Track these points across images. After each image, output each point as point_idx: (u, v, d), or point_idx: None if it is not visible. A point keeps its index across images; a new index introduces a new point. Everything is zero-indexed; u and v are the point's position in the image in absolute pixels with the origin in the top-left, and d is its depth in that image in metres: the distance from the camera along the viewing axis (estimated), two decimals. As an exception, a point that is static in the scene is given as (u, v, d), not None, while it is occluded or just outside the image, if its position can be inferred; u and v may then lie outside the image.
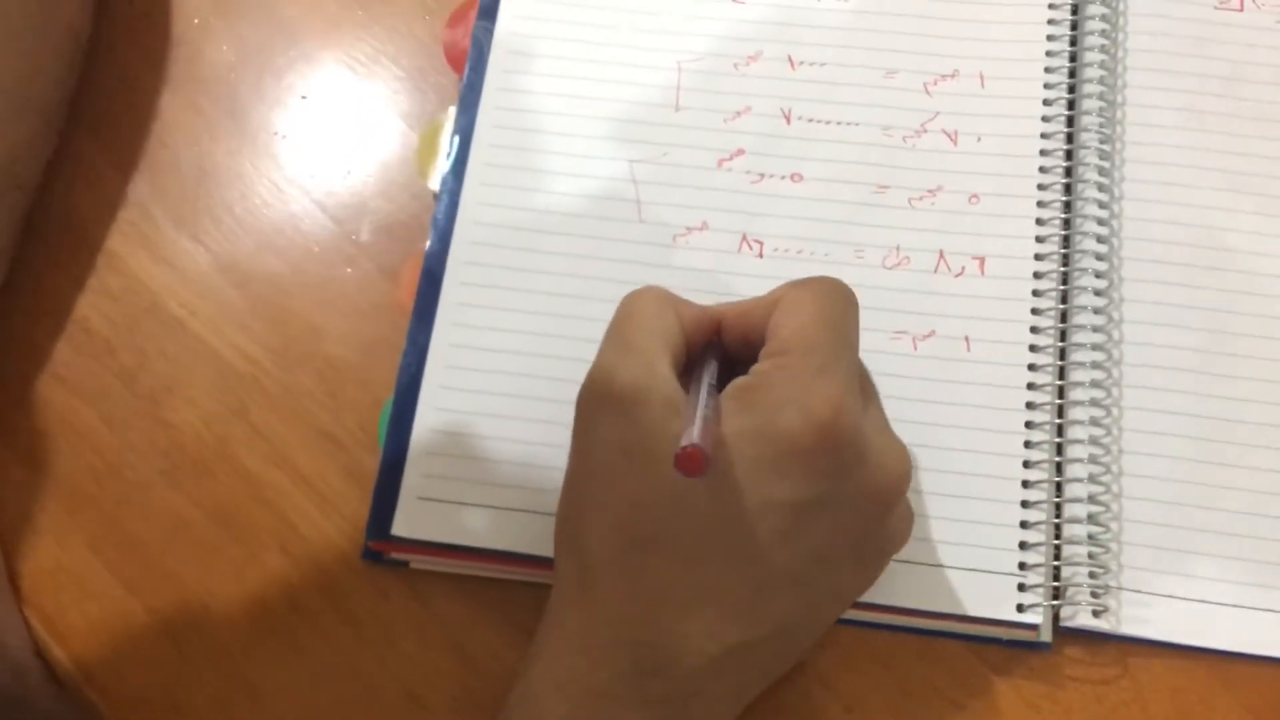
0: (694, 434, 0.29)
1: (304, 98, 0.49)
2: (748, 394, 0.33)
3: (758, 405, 0.32)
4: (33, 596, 0.43)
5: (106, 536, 0.44)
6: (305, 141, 0.48)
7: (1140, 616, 0.40)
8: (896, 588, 0.39)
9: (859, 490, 0.33)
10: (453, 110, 0.47)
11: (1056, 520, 0.40)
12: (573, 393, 0.35)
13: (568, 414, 0.36)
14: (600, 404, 0.34)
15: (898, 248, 0.43)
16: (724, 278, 0.43)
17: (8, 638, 0.42)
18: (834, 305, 0.34)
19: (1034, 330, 0.42)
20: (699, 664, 0.32)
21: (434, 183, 0.46)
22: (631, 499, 0.33)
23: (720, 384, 0.34)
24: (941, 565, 0.39)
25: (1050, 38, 0.45)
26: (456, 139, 0.46)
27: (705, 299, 0.39)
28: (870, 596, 0.38)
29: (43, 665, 0.42)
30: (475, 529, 0.41)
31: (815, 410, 0.31)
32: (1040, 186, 0.44)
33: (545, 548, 0.38)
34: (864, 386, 0.35)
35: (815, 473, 0.32)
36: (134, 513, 0.44)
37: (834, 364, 0.33)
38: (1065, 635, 0.40)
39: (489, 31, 0.47)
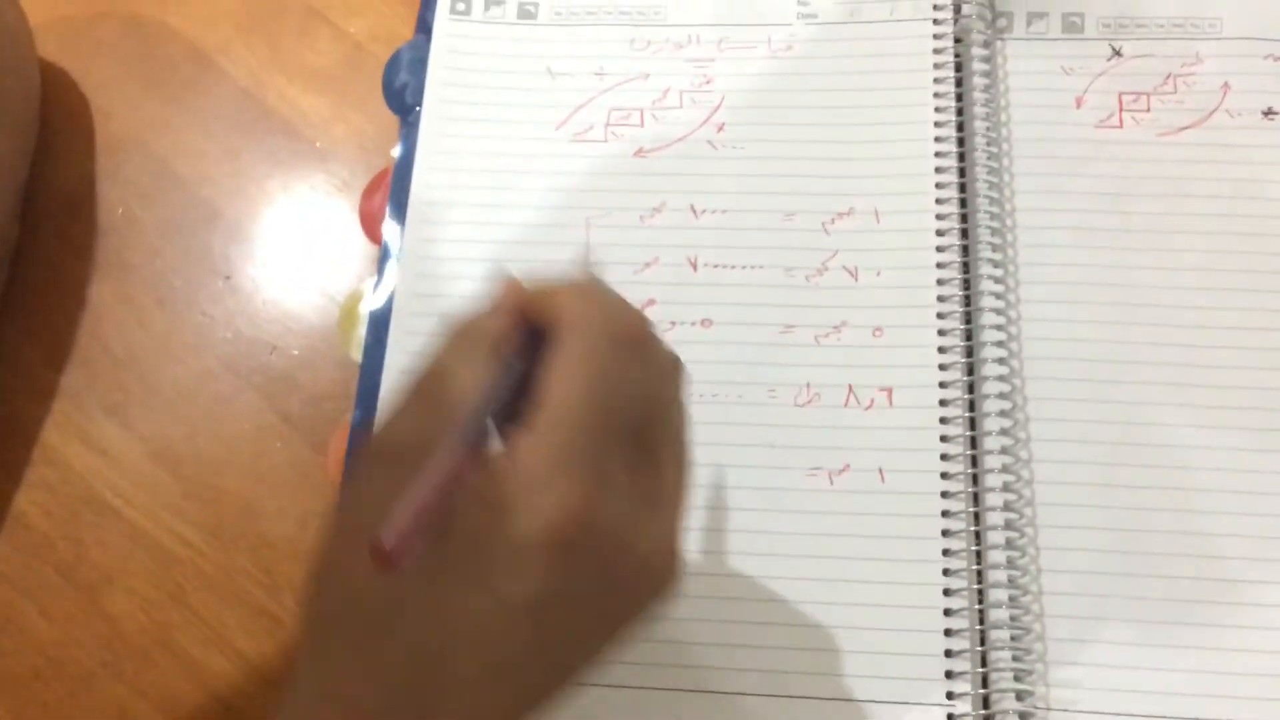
0: (392, 526, 0.25)
1: (227, 278, 0.50)
2: (492, 480, 0.28)
3: (501, 494, 0.28)
4: (-20, 802, 0.43)
5: (54, 730, 0.44)
6: (231, 322, 0.49)
7: (1070, 738, 0.40)
8: (826, 729, 0.40)
9: (613, 583, 0.29)
10: (371, 280, 0.48)
11: (981, 649, 0.41)
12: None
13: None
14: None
15: (808, 385, 0.45)
16: (643, 427, 0.44)
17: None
18: (604, 369, 0.29)
19: (944, 457, 0.43)
20: None
21: (356, 353, 0.47)
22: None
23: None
24: (870, 700, 0.40)
25: (939, 169, 0.47)
26: (374, 309, 0.47)
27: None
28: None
29: None
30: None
31: (554, 512, 0.28)
32: (940, 315, 0.45)
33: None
34: (646, 448, 0.31)
35: (554, 573, 0.28)
36: (78, 706, 0.44)
37: (588, 448, 0.28)
38: (999, 761, 0.40)
39: (404, 201, 0.49)
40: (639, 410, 0.30)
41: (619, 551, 0.29)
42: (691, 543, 0.43)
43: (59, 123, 0.53)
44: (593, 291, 0.31)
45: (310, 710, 0.29)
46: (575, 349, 0.29)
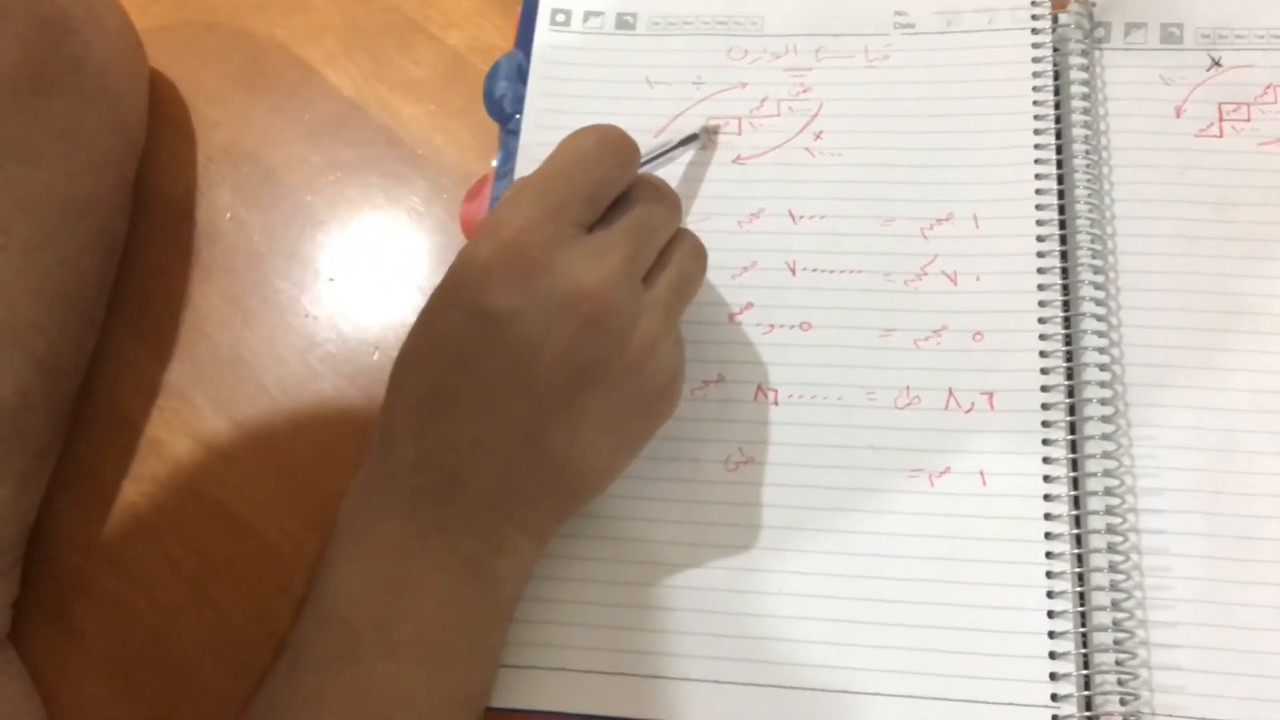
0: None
1: (331, 280, 0.51)
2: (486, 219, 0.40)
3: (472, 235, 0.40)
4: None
5: (159, 717, 0.45)
6: (334, 322, 0.50)
7: (1176, 742, 0.40)
8: (925, 726, 0.40)
9: (549, 299, 0.37)
10: (473, 283, 0.49)
11: (1084, 651, 0.41)
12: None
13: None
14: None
15: (908, 388, 0.45)
16: (742, 427, 0.45)
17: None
18: (565, 147, 0.40)
19: (1046, 460, 0.43)
20: (451, 460, 0.38)
21: (458, 354, 0.48)
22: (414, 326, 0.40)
23: None
24: (969, 700, 0.40)
25: (1038, 176, 0.47)
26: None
27: (727, 449, 0.44)
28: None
29: None
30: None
31: (500, 231, 0.37)
32: (1040, 320, 0.45)
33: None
34: (626, 230, 0.39)
35: (505, 286, 0.37)
36: (185, 693, 0.45)
37: (537, 193, 0.38)
38: (1104, 765, 0.40)
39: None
40: (595, 190, 0.39)
41: (552, 269, 0.37)
42: (794, 542, 0.43)
43: (166, 129, 0.55)
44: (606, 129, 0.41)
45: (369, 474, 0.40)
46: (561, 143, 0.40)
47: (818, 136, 0.50)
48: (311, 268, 0.52)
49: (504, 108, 0.52)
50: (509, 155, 0.51)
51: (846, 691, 0.41)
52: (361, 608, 0.38)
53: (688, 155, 0.50)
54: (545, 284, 0.37)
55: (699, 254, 0.43)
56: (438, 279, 0.49)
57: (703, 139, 0.50)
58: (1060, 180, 0.47)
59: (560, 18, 0.53)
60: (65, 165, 0.46)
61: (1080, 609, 0.41)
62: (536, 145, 0.51)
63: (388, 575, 0.38)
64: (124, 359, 0.51)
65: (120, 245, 0.51)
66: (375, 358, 0.50)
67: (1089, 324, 0.45)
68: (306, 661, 0.38)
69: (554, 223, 0.38)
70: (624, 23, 0.53)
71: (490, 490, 0.38)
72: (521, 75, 0.52)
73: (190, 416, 0.50)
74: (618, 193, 0.40)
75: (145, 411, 0.50)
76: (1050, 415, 0.44)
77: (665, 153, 0.47)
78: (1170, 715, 0.40)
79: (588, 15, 0.53)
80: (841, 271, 0.47)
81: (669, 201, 0.42)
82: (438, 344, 0.39)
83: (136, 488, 0.49)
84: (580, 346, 0.37)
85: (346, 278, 0.51)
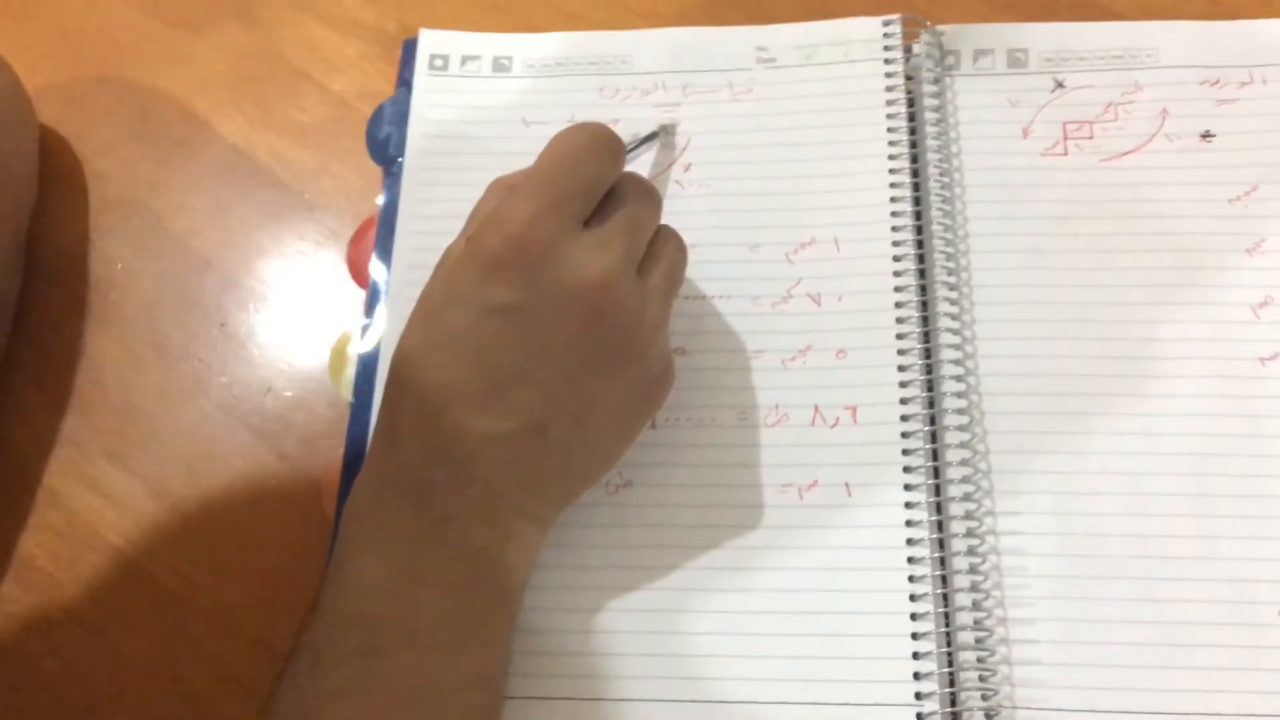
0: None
1: (222, 325, 0.53)
2: (473, 214, 0.42)
3: (474, 220, 0.41)
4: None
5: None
6: (226, 366, 0.52)
7: (1038, 732, 0.42)
8: (802, 730, 0.42)
9: (556, 292, 0.38)
10: (360, 323, 0.51)
11: (947, 650, 0.43)
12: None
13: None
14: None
15: (776, 406, 0.47)
16: (621, 452, 0.47)
17: None
18: (560, 143, 0.41)
19: (907, 469, 0.45)
20: (462, 452, 0.39)
21: (347, 392, 0.50)
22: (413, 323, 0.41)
23: None
24: (842, 703, 0.42)
25: (894, 199, 0.49)
26: (363, 350, 0.50)
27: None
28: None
29: None
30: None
31: (507, 225, 0.38)
32: (899, 336, 0.47)
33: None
34: (621, 225, 0.41)
35: (513, 280, 0.38)
36: (86, 740, 0.46)
37: (539, 188, 0.39)
38: (968, 758, 0.42)
39: (389, 246, 0.51)
40: (591, 185, 0.40)
41: (559, 262, 0.38)
42: (674, 560, 0.45)
43: (58, 184, 0.56)
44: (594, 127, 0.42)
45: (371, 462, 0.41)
46: (551, 141, 0.41)
47: (687, 169, 0.52)
48: (202, 313, 0.53)
49: (387, 150, 0.54)
50: (392, 198, 0.53)
51: (723, 701, 0.43)
52: (380, 601, 0.39)
53: (651, 154, 0.52)
54: (552, 277, 0.38)
55: (683, 248, 0.44)
56: (326, 319, 0.50)
57: (661, 136, 0.52)
58: (917, 202, 0.50)
59: (439, 63, 0.55)
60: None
61: (943, 610, 0.43)
62: (419, 185, 0.52)
63: (403, 567, 0.39)
64: (20, 412, 0.52)
65: (13, 301, 0.52)
66: (267, 398, 0.51)
67: (946, 338, 0.47)
68: (329, 657, 0.38)
69: (556, 217, 0.39)
70: (500, 66, 0.55)
71: (500, 480, 0.39)
72: (404, 119, 0.54)
73: (85, 466, 0.50)
74: (608, 186, 0.41)
75: (42, 463, 0.51)
76: (910, 426, 0.46)
77: (633, 149, 0.48)
78: (1030, 707, 0.42)
79: (465, 59, 0.55)
80: (713, 297, 0.49)
81: (654, 197, 0.43)
82: (443, 339, 0.39)
83: (34, 539, 0.49)
84: (587, 337, 0.39)
85: (237, 322, 0.53)
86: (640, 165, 0.52)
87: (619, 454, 0.44)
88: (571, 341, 0.39)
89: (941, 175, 0.50)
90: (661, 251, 0.43)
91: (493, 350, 0.39)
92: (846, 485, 0.45)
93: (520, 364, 0.39)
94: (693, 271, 0.49)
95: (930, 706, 0.42)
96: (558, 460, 0.41)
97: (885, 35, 0.53)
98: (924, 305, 0.48)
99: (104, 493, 0.50)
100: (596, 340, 0.40)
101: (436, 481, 0.39)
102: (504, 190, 0.41)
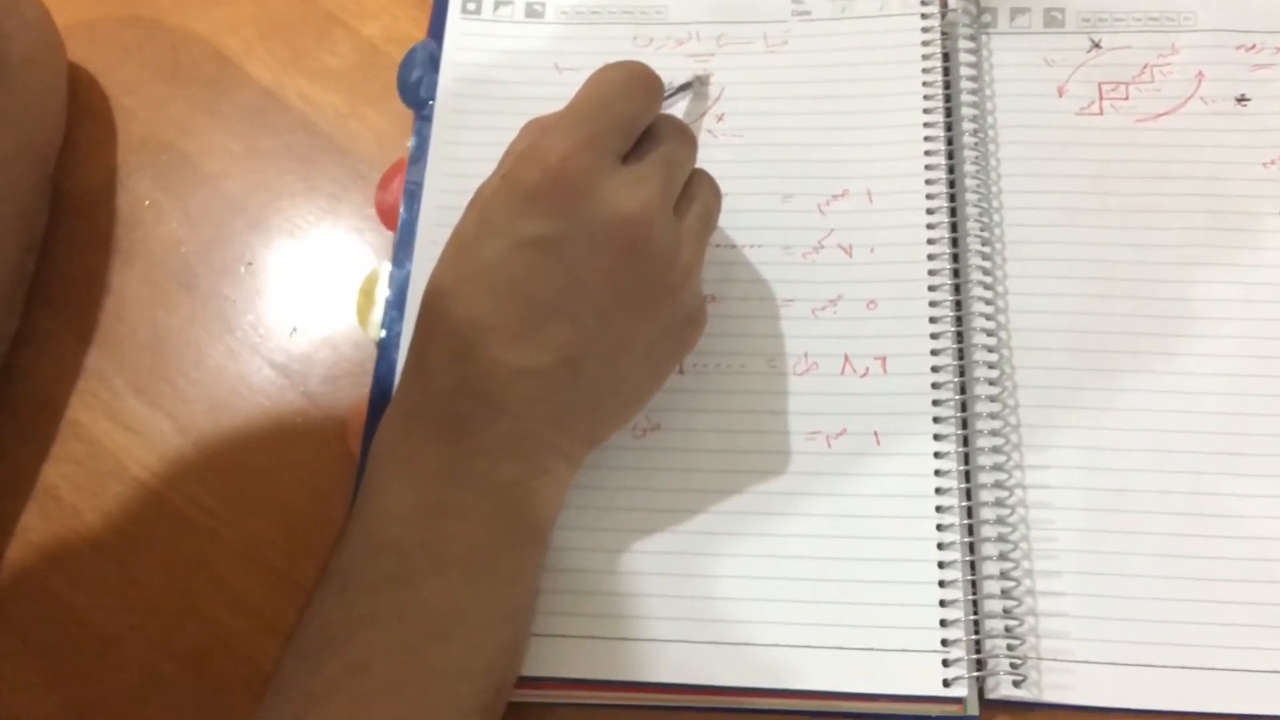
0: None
1: (249, 264, 0.52)
2: (507, 154, 0.42)
3: (509, 158, 0.41)
4: (11, 758, 0.45)
5: (82, 694, 0.46)
6: (253, 305, 0.52)
7: (1062, 683, 0.42)
8: (826, 673, 0.42)
9: (592, 225, 0.38)
10: (387, 264, 0.51)
11: (973, 597, 0.43)
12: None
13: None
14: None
15: (806, 354, 0.47)
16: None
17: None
18: (598, 80, 0.41)
19: (936, 420, 0.45)
20: (493, 385, 0.38)
21: (373, 332, 0.49)
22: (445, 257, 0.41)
23: None
24: (867, 649, 0.42)
25: (928, 153, 0.49)
26: (391, 290, 0.49)
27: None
28: (800, 683, 0.41)
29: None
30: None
31: (544, 158, 0.38)
32: (930, 288, 0.47)
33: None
34: (657, 163, 0.40)
35: (549, 212, 0.38)
36: (107, 667, 0.46)
37: (576, 123, 0.39)
38: (991, 707, 0.42)
39: (418, 189, 0.51)
40: (628, 121, 0.40)
41: (595, 196, 0.38)
42: (701, 504, 0.45)
43: (86, 121, 0.56)
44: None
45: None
46: (590, 78, 0.41)
47: (720, 119, 0.51)
48: (230, 252, 0.53)
49: (419, 93, 0.54)
50: (422, 141, 0.52)
51: (750, 644, 0.43)
52: (409, 530, 0.39)
53: (684, 104, 0.52)
54: (589, 210, 0.38)
55: (717, 191, 0.44)
56: (353, 261, 0.50)
57: (695, 87, 0.52)
58: (950, 157, 0.50)
59: (471, 7, 0.55)
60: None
61: (969, 559, 0.43)
62: (449, 129, 0.52)
63: (433, 499, 0.39)
64: (45, 344, 0.52)
65: (40, 233, 0.52)
66: (293, 336, 0.51)
67: (977, 291, 0.47)
68: (358, 584, 0.38)
69: (594, 150, 0.38)
70: (533, 11, 0.55)
71: (531, 415, 0.39)
72: (434, 63, 0.54)
73: (110, 399, 0.50)
74: (645, 125, 0.41)
75: (66, 395, 0.51)
76: (940, 377, 0.46)
77: (668, 97, 0.47)
78: (1054, 659, 0.42)
79: (498, 4, 0.55)
80: (744, 246, 0.49)
81: (690, 138, 0.43)
82: (477, 271, 0.39)
83: (56, 469, 0.49)
84: (623, 272, 0.39)
85: (264, 261, 0.53)
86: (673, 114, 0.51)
87: (649, 394, 0.44)
88: (606, 276, 0.39)
89: (975, 132, 0.50)
90: (697, 193, 0.43)
91: (526, 283, 0.39)
92: (875, 434, 0.45)
93: (554, 298, 0.39)
94: (724, 220, 0.49)
95: (956, 653, 0.42)
96: (589, 398, 0.41)
97: (922, -10, 0.53)
98: (955, 259, 0.48)
99: (128, 426, 0.50)
100: (631, 276, 0.39)
101: (466, 415, 0.39)
102: (539, 129, 0.41)
